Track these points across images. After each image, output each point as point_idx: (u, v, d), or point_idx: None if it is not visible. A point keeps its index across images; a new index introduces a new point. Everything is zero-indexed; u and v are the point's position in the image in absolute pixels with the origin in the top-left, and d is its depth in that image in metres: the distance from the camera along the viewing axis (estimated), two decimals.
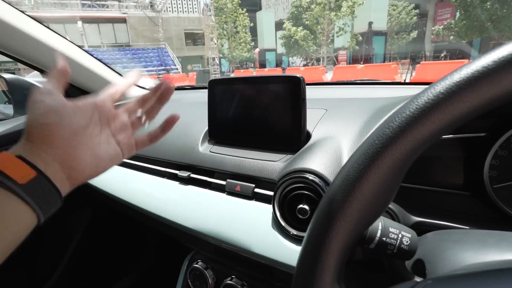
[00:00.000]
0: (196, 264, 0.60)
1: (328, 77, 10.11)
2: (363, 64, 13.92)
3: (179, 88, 1.25)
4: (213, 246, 0.55)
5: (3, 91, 1.31)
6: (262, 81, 0.55)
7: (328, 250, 0.20)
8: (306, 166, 0.45)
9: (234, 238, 0.49)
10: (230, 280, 0.54)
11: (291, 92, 0.52)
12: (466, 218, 0.41)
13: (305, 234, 0.41)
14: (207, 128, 0.65)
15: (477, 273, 0.21)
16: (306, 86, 0.52)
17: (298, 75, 0.51)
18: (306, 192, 0.43)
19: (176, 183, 0.62)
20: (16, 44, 0.81)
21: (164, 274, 1.11)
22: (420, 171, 0.44)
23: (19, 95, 0.99)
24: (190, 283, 0.60)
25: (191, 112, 0.79)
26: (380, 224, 0.30)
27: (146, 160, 0.71)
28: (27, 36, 0.81)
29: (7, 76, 0.98)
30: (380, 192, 0.20)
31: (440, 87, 0.18)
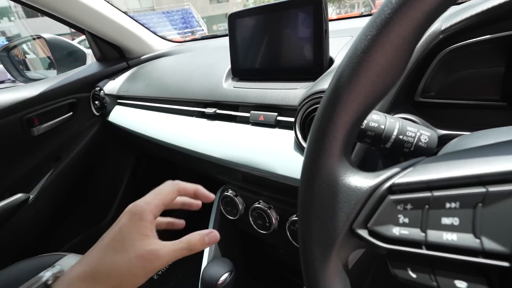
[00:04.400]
0: (227, 192, 0.65)
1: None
2: None
3: (204, 38, 1.24)
4: (241, 174, 0.59)
5: (48, 57, 1.42)
6: (281, 7, 0.53)
7: (335, 123, 0.21)
8: (326, 86, 0.45)
9: (260, 164, 0.52)
10: (258, 204, 0.59)
11: (312, 14, 0.50)
12: None
13: None
14: (230, 67, 0.66)
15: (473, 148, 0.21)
16: (330, 22, 0.50)
17: None
18: None
19: (204, 120, 0.65)
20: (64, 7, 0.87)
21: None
22: (453, 85, 0.41)
23: (59, 53, 1.06)
24: (222, 209, 0.67)
25: (215, 54, 0.80)
26: (398, 123, 0.30)
27: (174, 102, 0.75)
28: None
29: (46, 36, 1.05)
30: (388, 65, 0.20)
31: None
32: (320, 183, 0.22)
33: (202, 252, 0.67)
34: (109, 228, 0.29)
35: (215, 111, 0.63)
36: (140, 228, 0.27)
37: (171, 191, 0.32)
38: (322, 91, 0.44)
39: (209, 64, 0.74)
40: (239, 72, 0.63)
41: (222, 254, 0.67)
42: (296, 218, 0.53)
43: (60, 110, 0.98)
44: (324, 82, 0.46)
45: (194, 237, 0.30)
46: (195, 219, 1.29)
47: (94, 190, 1.16)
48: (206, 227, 0.74)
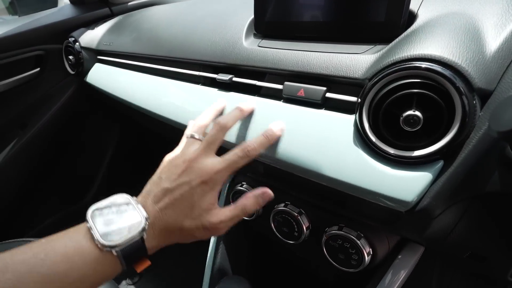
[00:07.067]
0: (241, 186, 0.51)
1: None
2: None
3: None
4: (262, 166, 0.45)
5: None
6: None
7: None
8: (418, 51, 0.29)
9: (295, 157, 0.37)
10: (284, 207, 0.45)
11: None
12: None
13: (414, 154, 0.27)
14: (252, 17, 0.48)
15: None
16: None
17: None
18: (417, 91, 0.28)
19: (214, 90, 0.49)
20: None
21: None
22: None
23: None
24: None
25: (228, 2, 0.61)
26: None
27: (172, 63, 0.58)
28: None
29: None
30: None
31: None
32: None
33: (204, 263, 0.53)
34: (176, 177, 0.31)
35: (230, 79, 0.46)
36: (210, 199, 0.31)
37: (243, 159, 0.32)
38: (411, 59, 0.29)
39: (221, 13, 0.55)
40: (265, 26, 0.46)
41: (233, 268, 0.54)
42: (337, 232, 0.40)
43: (24, 63, 0.78)
44: (409, 45, 0.30)
45: (249, 201, 0.33)
46: None
47: (71, 164, 0.99)
48: None
